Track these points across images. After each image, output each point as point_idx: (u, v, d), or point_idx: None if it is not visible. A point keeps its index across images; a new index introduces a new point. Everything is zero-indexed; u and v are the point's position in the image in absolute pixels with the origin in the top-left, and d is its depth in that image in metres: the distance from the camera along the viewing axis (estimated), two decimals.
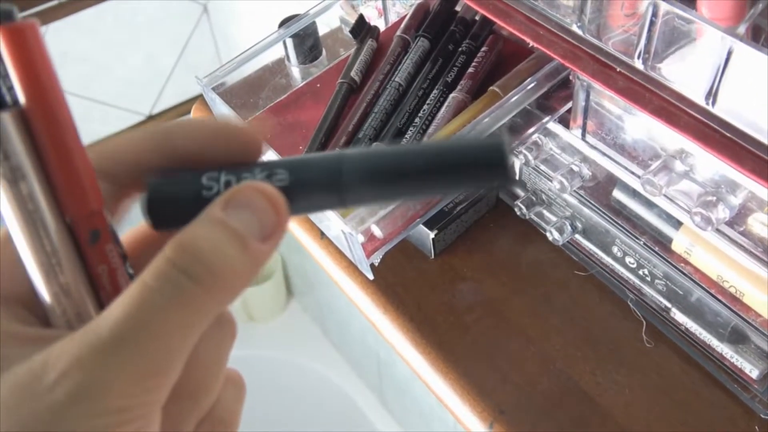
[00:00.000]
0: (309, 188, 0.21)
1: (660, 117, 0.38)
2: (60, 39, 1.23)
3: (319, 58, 0.59)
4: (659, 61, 0.38)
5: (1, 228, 0.20)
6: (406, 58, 0.52)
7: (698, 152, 0.38)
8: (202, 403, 0.21)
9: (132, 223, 0.23)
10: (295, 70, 0.58)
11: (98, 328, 0.18)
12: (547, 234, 0.50)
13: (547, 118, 0.47)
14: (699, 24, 0.34)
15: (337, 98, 0.52)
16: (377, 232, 0.45)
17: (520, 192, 0.54)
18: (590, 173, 0.46)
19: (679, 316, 0.45)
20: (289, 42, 0.56)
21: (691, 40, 0.36)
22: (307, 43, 0.57)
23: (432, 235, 0.51)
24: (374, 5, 0.61)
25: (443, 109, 0.48)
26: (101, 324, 0.18)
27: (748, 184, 0.36)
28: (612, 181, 0.46)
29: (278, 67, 0.58)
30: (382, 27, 0.58)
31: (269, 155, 0.47)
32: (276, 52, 0.57)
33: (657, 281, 0.45)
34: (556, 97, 0.47)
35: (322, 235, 0.53)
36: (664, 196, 0.41)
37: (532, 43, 0.44)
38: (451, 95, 0.48)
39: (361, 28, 0.56)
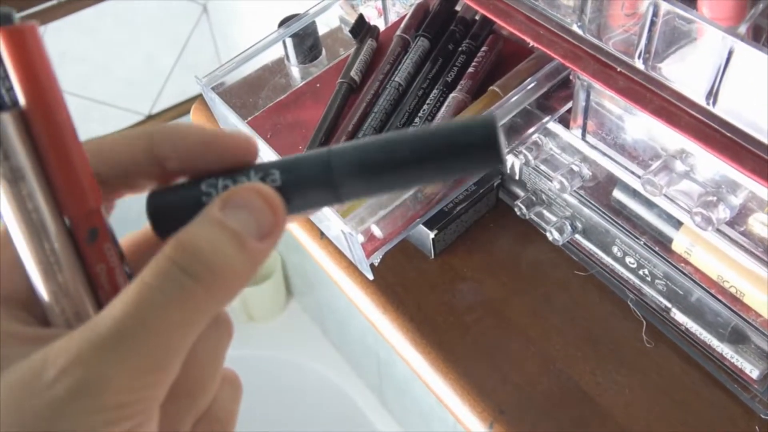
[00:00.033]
0: (302, 186, 0.21)
1: (660, 117, 0.38)
2: (59, 39, 1.23)
3: (319, 57, 0.59)
4: (660, 61, 0.37)
5: (1, 228, 0.20)
6: (406, 57, 0.52)
7: (699, 152, 0.38)
8: (200, 402, 0.21)
9: (132, 226, 0.23)
10: (295, 70, 0.58)
11: (98, 326, 0.18)
12: (547, 234, 0.49)
13: (547, 118, 0.47)
14: (700, 24, 0.34)
15: (337, 98, 0.52)
16: (377, 232, 0.45)
17: (520, 192, 0.54)
18: (590, 173, 0.46)
19: (679, 316, 0.45)
20: (289, 42, 0.56)
21: (692, 40, 0.36)
22: (307, 43, 0.57)
23: (432, 235, 0.51)
24: (374, 5, 0.60)
25: (443, 109, 0.48)
26: (101, 321, 0.18)
27: (749, 184, 0.36)
28: (612, 181, 0.46)
29: (278, 67, 0.58)
30: (381, 27, 0.58)
31: (269, 155, 0.47)
32: (276, 52, 0.57)
33: (657, 281, 0.45)
34: (556, 97, 0.47)
35: (321, 235, 0.53)
36: (665, 196, 0.41)
37: (532, 43, 0.44)
38: (451, 95, 0.48)
39: (361, 28, 0.56)
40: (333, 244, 0.52)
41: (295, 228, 0.55)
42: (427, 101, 0.48)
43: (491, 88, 0.47)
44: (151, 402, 0.18)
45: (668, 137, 0.40)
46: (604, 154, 0.44)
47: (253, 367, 1.66)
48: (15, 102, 0.19)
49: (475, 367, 0.47)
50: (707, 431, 0.43)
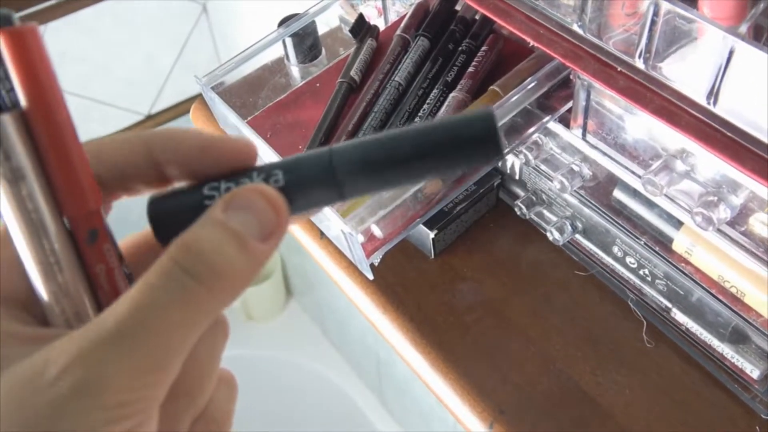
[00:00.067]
0: (305, 185, 0.21)
1: (661, 117, 0.38)
2: (59, 38, 1.23)
3: (319, 57, 0.59)
4: (660, 61, 0.37)
5: (1, 229, 0.20)
6: (406, 57, 0.52)
7: (699, 152, 0.38)
8: (198, 402, 0.21)
9: (131, 228, 0.23)
10: (295, 70, 0.58)
11: (99, 325, 0.18)
12: (548, 234, 0.49)
13: (547, 118, 0.47)
14: (700, 23, 0.34)
15: (337, 97, 0.52)
16: (377, 232, 0.45)
17: (520, 192, 0.54)
18: (591, 173, 0.46)
19: (679, 316, 0.45)
20: (289, 41, 0.56)
21: (692, 40, 0.36)
22: (307, 43, 0.57)
23: (432, 235, 0.51)
24: (374, 4, 0.60)
25: (443, 108, 0.48)
26: (103, 321, 0.18)
27: (750, 183, 0.36)
28: (612, 180, 0.46)
29: (278, 67, 0.58)
30: (381, 26, 0.58)
31: (269, 155, 0.47)
32: (275, 52, 0.57)
33: (657, 281, 0.45)
34: (556, 96, 0.47)
35: (321, 235, 0.53)
36: (665, 196, 0.41)
37: (532, 43, 0.44)
38: (451, 95, 0.48)
39: (361, 28, 0.56)
40: (333, 244, 0.52)
41: (295, 228, 0.55)
42: (427, 101, 0.48)
43: (491, 87, 0.47)
44: (152, 401, 0.18)
45: (669, 137, 0.40)
46: (605, 154, 0.44)
47: (252, 367, 1.66)
48: (16, 103, 0.19)
49: (475, 367, 0.47)
50: (707, 431, 0.43)
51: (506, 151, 0.46)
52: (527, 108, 0.46)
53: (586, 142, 0.45)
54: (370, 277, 0.47)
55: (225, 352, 0.23)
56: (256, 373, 1.66)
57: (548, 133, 0.48)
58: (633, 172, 0.43)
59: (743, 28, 0.34)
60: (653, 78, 0.38)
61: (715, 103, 0.35)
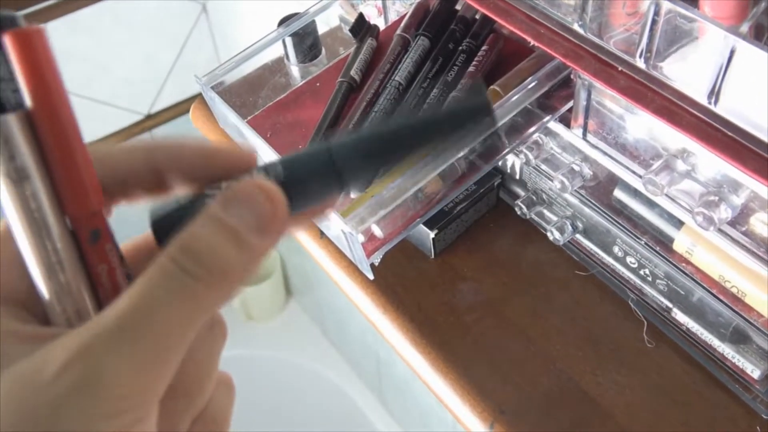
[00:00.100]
0: (305, 175, 0.22)
1: (662, 116, 0.38)
2: (58, 38, 1.23)
3: (319, 56, 0.58)
4: (661, 60, 0.37)
5: (1, 225, 0.20)
6: (406, 57, 0.52)
7: (700, 152, 0.38)
8: (197, 402, 0.22)
9: (132, 229, 0.23)
10: (295, 69, 0.58)
11: (99, 322, 0.18)
12: (548, 234, 0.49)
13: (548, 118, 0.47)
14: (701, 23, 0.34)
15: (337, 97, 0.52)
16: (377, 231, 0.44)
17: (520, 191, 0.53)
18: (591, 173, 0.46)
19: (680, 316, 0.45)
20: (289, 41, 0.56)
21: (693, 39, 0.36)
22: (307, 42, 0.57)
23: (432, 234, 0.51)
24: (374, 4, 0.60)
25: None
26: (103, 318, 0.18)
27: (751, 183, 0.36)
28: (613, 180, 0.46)
29: (278, 66, 0.58)
30: (381, 26, 0.58)
31: (269, 155, 0.47)
32: (275, 51, 0.57)
33: (658, 281, 0.45)
34: (557, 96, 0.47)
35: (321, 234, 0.53)
36: (666, 195, 0.41)
37: (533, 42, 0.44)
38: (452, 94, 0.48)
39: (361, 27, 0.56)
40: (333, 243, 0.52)
41: None
42: (428, 100, 0.48)
43: (492, 87, 0.47)
44: (151, 396, 0.19)
45: (669, 137, 0.40)
46: (605, 154, 0.44)
47: (252, 367, 1.66)
48: (21, 103, 0.19)
49: (475, 367, 0.47)
50: (708, 431, 0.43)
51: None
52: (528, 107, 0.46)
53: (587, 141, 0.45)
54: (371, 277, 0.47)
55: (225, 352, 0.23)
56: (255, 372, 1.66)
57: (549, 132, 0.48)
58: (634, 172, 0.43)
59: (744, 28, 0.34)
60: (654, 77, 0.38)
61: (716, 102, 0.35)
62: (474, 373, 0.46)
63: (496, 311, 0.49)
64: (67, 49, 1.26)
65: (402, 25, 0.54)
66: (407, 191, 0.43)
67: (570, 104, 0.46)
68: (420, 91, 0.49)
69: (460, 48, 0.51)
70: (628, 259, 0.47)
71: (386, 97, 0.49)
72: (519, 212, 0.52)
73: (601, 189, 0.47)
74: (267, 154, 0.47)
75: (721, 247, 0.40)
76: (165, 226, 0.22)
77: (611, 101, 0.42)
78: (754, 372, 0.41)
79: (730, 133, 0.35)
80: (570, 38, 0.42)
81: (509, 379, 0.46)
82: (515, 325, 0.49)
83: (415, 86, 0.50)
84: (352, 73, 0.53)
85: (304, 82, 0.56)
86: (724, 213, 0.37)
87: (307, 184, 0.22)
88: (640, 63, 0.38)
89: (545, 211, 0.51)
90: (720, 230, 0.40)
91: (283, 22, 0.56)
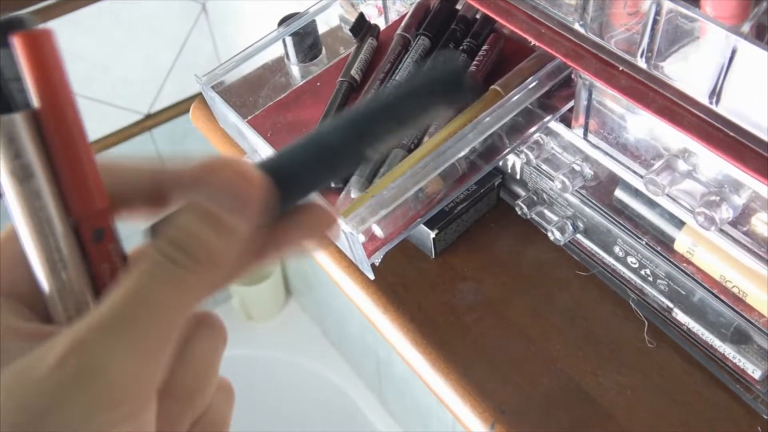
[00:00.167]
0: (295, 166, 0.22)
1: (663, 116, 0.37)
2: (58, 38, 1.23)
3: (319, 56, 0.58)
4: (662, 60, 0.37)
5: (6, 226, 0.21)
6: (406, 56, 0.52)
7: (701, 151, 0.38)
8: (196, 405, 0.22)
9: (132, 230, 0.23)
10: (295, 69, 0.58)
11: (94, 315, 0.18)
12: (549, 234, 0.49)
13: (548, 117, 0.47)
14: (702, 22, 0.34)
15: (338, 97, 0.52)
16: (378, 231, 0.44)
17: (521, 191, 0.53)
18: (592, 173, 0.46)
19: (681, 317, 0.45)
20: (289, 40, 0.56)
21: (695, 39, 0.36)
22: (307, 42, 0.57)
23: (433, 234, 0.51)
24: (374, 3, 0.60)
25: None
26: (96, 311, 0.19)
27: (752, 183, 0.36)
28: (614, 180, 0.45)
29: (278, 66, 0.58)
30: (382, 25, 0.58)
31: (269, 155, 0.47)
32: (275, 51, 0.57)
33: (659, 281, 0.45)
34: (557, 96, 0.47)
35: None
36: (667, 195, 0.41)
37: (533, 42, 0.44)
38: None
39: (362, 27, 0.56)
40: (333, 243, 0.52)
41: None
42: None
43: (492, 87, 0.47)
44: (147, 385, 0.19)
45: (671, 136, 0.39)
46: (606, 154, 0.44)
47: (252, 367, 1.66)
48: (28, 103, 0.19)
49: (475, 368, 0.47)
50: None
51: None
52: (528, 107, 0.46)
53: (588, 141, 0.45)
54: (372, 277, 0.47)
55: (224, 351, 0.23)
56: (255, 372, 1.66)
57: (549, 132, 0.48)
58: (635, 172, 0.43)
59: (746, 27, 0.34)
60: (655, 77, 0.38)
61: (717, 102, 0.35)
62: (474, 374, 0.46)
63: (496, 311, 0.49)
64: (66, 48, 1.25)
65: (402, 24, 0.54)
66: (408, 191, 0.43)
67: (571, 104, 0.46)
68: None
69: (461, 48, 0.51)
70: (629, 259, 0.46)
71: None
72: (520, 212, 0.52)
73: (602, 189, 0.47)
74: (267, 154, 0.47)
75: (722, 247, 0.40)
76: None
77: (612, 101, 0.42)
78: (755, 372, 0.41)
79: (731, 133, 0.35)
80: (571, 38, 0.42)
81: (510, 380, 0.46)
82: (516, 325, 0.49)
83: None
84: (353, 72, 0.53)
85: (304, 81, 0.55)
86: (725, 213, 0.37)
87: (296, 171, 0.22)
88: (641, 63, 0.38)
89: (546, 211, 0.51)
90: (721, 230, 0.40)
91: (284, 21, 0.56)
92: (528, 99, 0.45)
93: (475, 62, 0.49)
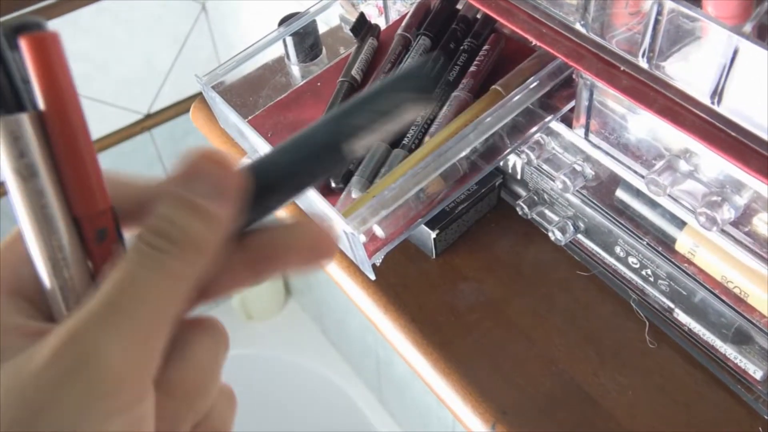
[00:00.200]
0: (270, 160, 0.23)
1: (664, 116, 0.37)
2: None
3: (320, 56, 0.58)
4: (664, 60, 0.37)
5: (14, 228, 0.21)
6: (407, 56, 0.51)
7: (703, 152, 0.38)
8: (197, 407, 0.22)
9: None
10: (295, 69, 0.58)
11: (85, 308, 0.19)
12: (550, 234, 0.49)
13: (549, 117, 0.47)
14: (704, 22, 0.34)
15: (338, 97, 0.52)
16: (379, 232, 0.44)
17: (522, 191, 0.53)
18: (593, 173, 0.46)
19: (682, 317, 0.45)
20: (289, 40, 0.56)
21: (696, 39, 0.36)
22: (307, 42, 0.57)
23: (433, 234, 0.51)
24: (375, 3, 0.60)
25: (445, 108, 0.48)
26: (89, 304, 0.19)
27: (754, 183, 0.36)
28: (615, 180, 0.45)
29: (278, 66, 0.58)
30: (382, 25, 0.58)
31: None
32: (276, 51, 0.57)
33: (660, 281, 0.45)
34: (558, 96, 0.47)
35: None
36: (669, 196, 0.41)
37: (534, 42, 0.44)
38: (453, 94, 0.48)
39: (362, 27, 0.55)
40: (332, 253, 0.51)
41: None
42: None
43: (493, 87, 0.47)
44: (143, 375, 0.19)
45: (672, 137, 0.39)
46: (607, 154, 0.44)
47: (251, 366, 1.66)
48: (33, 104, 0.20)
49: (476, 368, 0.46)
50: None
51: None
52: (529, 107, 0.46)
53: (589, 141, 0.45)
54: (372, 277, 0.46)
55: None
56: (255, 372, 1.66)
57: (550, 132, 0.48)
58: (636, 172, 0.43)
59: (748, 27, 0.34)
60: (657, 77, 0.38)
61: (719, 102, 0.35)
62: (475, 374, 0.46)
63: (497, 311, 0.49)
64: (67, 48, 1.25)
65: (403, 24, 0.54)
66: (409, 191, 0.43)
67: (572, 104, 0.46)
68: None
69: (462, 48, 0.50)
70: (630, 260, 0.46)
71: None
72: (520, 212, 0.52)
73: (603, 189, 0.47)
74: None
75: (723, 248, 0.40)
76: None
77: (613, 101, 0.42)
78: (756, 373, 0.41)
79: (733, 133, 0.35)
80: (572, 38, 0.42)
81: (511, 380, 0.46)
82: (517, 326, 0.48)
83: None
84: (353, 72, 0.53)
85: (304, 81, 0.55)
86: (726, 213, 0.37)
87: (275, 162, 0.23)
88: (643, 63, 0.38)
89: (547, 212, 0.51)
90: (723, 231, 0.40)
91: (284, 21, 0.56)
92: (529, 99, 0.45)
93: (476, 62, 0.49)
